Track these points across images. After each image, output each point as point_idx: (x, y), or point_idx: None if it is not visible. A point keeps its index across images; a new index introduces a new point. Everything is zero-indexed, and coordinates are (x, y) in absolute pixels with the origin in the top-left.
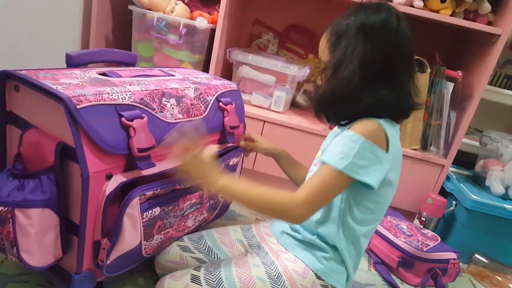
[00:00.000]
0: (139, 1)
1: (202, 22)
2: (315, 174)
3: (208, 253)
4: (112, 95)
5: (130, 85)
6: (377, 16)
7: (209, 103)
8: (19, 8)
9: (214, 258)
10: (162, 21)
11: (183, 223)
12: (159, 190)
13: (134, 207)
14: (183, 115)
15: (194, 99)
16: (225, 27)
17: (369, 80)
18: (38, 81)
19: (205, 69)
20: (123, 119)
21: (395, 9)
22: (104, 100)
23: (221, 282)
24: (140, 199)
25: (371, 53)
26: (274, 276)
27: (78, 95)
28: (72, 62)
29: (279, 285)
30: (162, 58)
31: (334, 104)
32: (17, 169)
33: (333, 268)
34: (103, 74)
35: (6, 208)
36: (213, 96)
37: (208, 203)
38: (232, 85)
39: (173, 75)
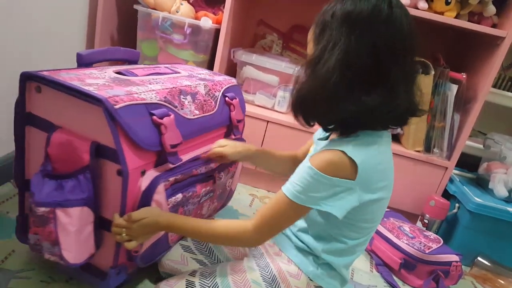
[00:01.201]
0: (144, 0)
1: (206, 22)
2: (271, 200)
3: (209, 254)
4: (140, 94)
5: (151, 83)
6: (366, 3)
7: (217, 99)
8: (25, 8)
9: (215, 260)
10: (167, 20)
11: (199, 211)
12: (179, 175)
13: (160, 193)
14: (199, 111)
15: (205, 95)
16: (230, 27)
17: (352, 80)
18: (67, 83)
19: (209, 68)
20: (154, 117)
21: None
22: (136, 100)
23: (216, 287)
24: (165, 185)
25: (356, 47)
26: (269, 278)
27: (113, 96)
28: (83, 61)
29: None
30: (166, 57)
31: (309, 105)
32: (48, 170)
33: (326, 273)
34: (119, 73)
35: (48, 209)
36: (220, 91)
37: (218, 192)
38: (232, 80)
39: (179, 72)
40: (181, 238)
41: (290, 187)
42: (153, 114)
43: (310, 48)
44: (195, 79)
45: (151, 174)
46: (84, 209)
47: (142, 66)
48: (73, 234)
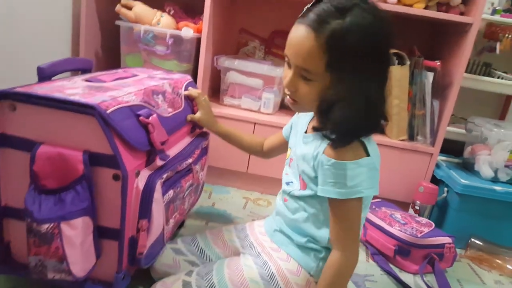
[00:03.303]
0: (125, 15)
1: (187, 32)
2: (330, 222)
3: (200, 255)
4: (123, 98)
5: (124, 87)
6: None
7: (181, 95)
8: (6, 31)
9: (207, 260)
10: (149, 33)
11: (182, 206)
12: (169, 172)
13: (159, 191)
14: (171, 109)
15: (172, 93)
16: (211, 36)
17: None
18: (53, 95)
19: (194, 77)
20: (141, 117)
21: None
22: (122, 103)
23: (213, 287)
24: (161, 183)
25: (378, 67)
26: (267, 276)
27: (101, 102)
28: (45, 74)
29: (272, 285)
30: (151, 69)
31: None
32: (40, 186)
33: None
34: (88, 81)
35: (52, 224)
36: (181, 88)
37: (195, 185)
38: (188, 77)
39: (138, 75)
40: (172, 238)
41: (328, 189)
42: (139, 115)
43: (316, 66)
44: (157, 79)
45: (145, 173)
46: (85, 219)
47: (102, 72)
48: (78, 246)
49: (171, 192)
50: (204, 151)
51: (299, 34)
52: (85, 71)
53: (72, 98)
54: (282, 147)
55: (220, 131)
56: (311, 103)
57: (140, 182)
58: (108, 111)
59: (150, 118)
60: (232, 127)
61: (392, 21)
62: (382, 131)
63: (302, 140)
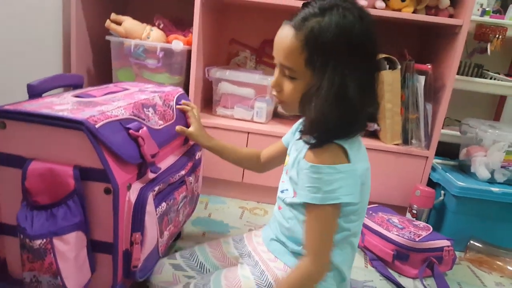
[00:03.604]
0: (115, 31)
1: (178, 44)
2: (304, 228)
3: (200, 269)
4: (112, 112)
5: (114, 101)
6: (346, 20)
7: (173, 108)
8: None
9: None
10: (139, 47)
11: (177, 218)
12: (161, 185)
13: (151, 204)
14: (162, 121)
15: (163, 106)
16: (201, 48)
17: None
18: (41, 112)
19: (186, 88)
20: (131, 131)
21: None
22: (110, 117)
23: None
24: (152, 195)
25: (358, 62)
26: (265, 286)
27: (90, 116)
28: (35, 91)
29: None
30: (143, 82)
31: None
32: (32, 203)
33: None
34: (78, 97)
35: (44, 240)
36: (173, 100)
37: (189, 197)
38: (179, 89)
39: (129, 89)
40: (168, 249)
41: (304, 193)
42: (129, 128)
43: (299, 65)
44: (148, 92)
45: (137, 186)
46: (78, 234)
47: (93, 88)
48: (72, 260)
49: (164, 205)
50: (198, 162)
51: (282, 33)
52: (76, 87)
53: (60, 114)
54: (282, 156)
55: (212, 146)
56: (296, 102)
57: (132, 195)
58: (97, 126)
59: (140, 131)
60: (225, 141)
61: (381, 26)
62: (368, 133)
63: (294, 146)
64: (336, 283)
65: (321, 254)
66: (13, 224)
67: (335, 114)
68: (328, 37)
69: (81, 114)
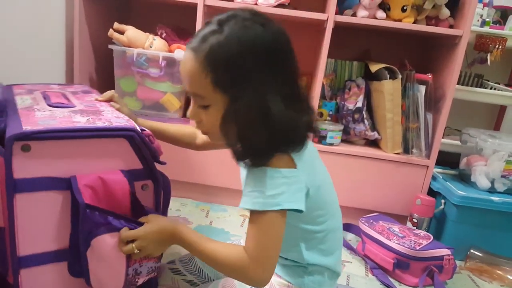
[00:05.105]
0: (118, 40)
1: (180, 53)
2: (247, 233)
3: (199, 274)
4: (111, 119)
5: (99, 109)
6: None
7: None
8: (3, 53)
9: (205, 279)
10: (142, 56)
11: None
12: None
13: None
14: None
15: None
16: None
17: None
18: (80, 126)
19: (187, 97)
20: (144, 132)
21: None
22: (128, 121)
23: None
24: None
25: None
26: None
27: (125, 123)
28: None
29: None
30: (144, 91)
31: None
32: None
33: (317, 280)
34: (52, 106)
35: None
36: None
37: None
38: (83, 86)
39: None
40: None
41: (246, 199)
42: (143, 130)
43: (209, 91)
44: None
45: None
46: None
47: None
48: None
49: None
50: None
51: (184, 58)
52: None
53: (101, 125)
54: (220, 145)
55: (145, 126)
56: (219, 131)
57: None
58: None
59: (145, 131)
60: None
61: (382, 36)
62: (369, 143)
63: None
64: (329, 284)
65: (264, 263)
66: (35, 252)
67: (263, 136)
68: (230, 52)
69: (115, 122)
